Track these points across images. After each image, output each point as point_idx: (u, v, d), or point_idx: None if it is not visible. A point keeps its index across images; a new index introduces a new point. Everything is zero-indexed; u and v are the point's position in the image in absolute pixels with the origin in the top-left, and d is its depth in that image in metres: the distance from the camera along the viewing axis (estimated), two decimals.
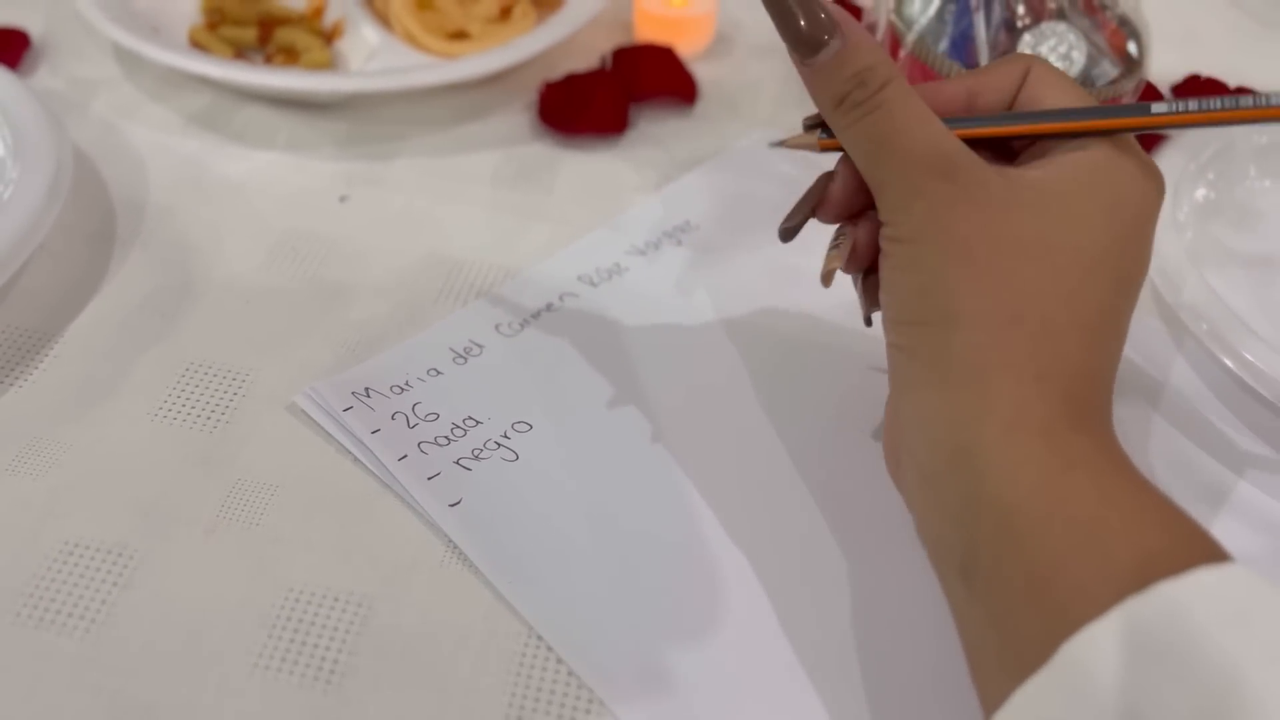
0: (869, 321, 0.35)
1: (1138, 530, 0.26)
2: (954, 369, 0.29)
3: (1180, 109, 0.32)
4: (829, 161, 0.34)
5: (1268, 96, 0.31)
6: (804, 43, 0.31)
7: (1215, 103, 0.31)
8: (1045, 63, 0.33)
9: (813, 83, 0.32)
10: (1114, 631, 0.24)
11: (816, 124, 0.34)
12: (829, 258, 0.34)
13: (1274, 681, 0.23)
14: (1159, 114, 0.31)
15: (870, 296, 0.35)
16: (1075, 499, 0.27)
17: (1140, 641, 0.24)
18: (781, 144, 0.35)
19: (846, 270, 0.34)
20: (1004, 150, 0.33)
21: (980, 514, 0.28)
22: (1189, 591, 0.25)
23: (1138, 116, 0.31)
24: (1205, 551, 0.26)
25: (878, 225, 0.32)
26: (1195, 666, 0.24)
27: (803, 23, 0.30)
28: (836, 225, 0.34)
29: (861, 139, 0.31)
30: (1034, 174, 0.31)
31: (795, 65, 0.32)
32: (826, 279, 0.33)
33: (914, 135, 0.30)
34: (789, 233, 0.34)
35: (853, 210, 0.34)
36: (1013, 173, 0.31)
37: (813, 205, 0.34)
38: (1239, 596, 0.25)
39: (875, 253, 0.33)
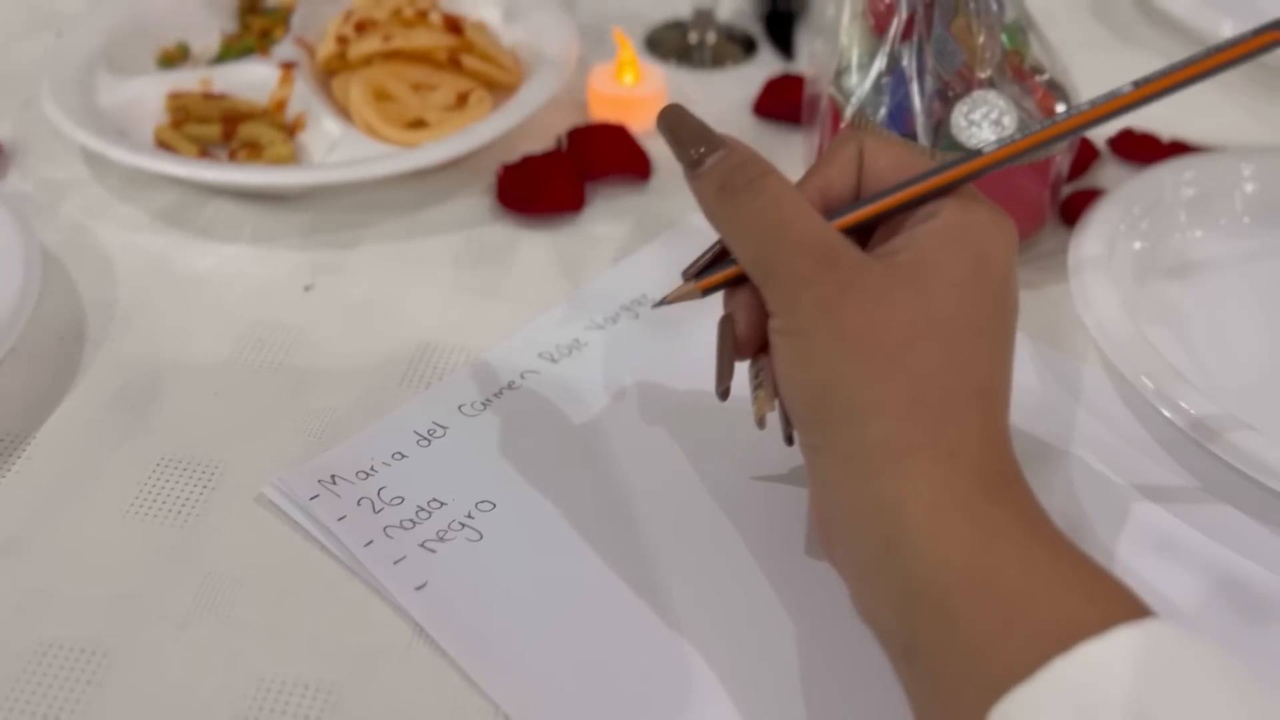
0: (790, 440, 0.35)
1: (1060, 595, 0.28)
2: (869, 462, 0.30)
3: (1008, 140, 0.34)
4: None
5: (1079, 105, 0.33)
6: (695, 161, 0.34)
7: (1038, 124, 0.34)
8: (871, 134, 0.35)
9: (700, 185, 0.34)
10: (1039, 693, 0.26)
11: (695, 274, 0.35)
12: (758, 401, 0.34)
13: None
14: (990, 151, 0.33)
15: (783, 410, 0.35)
16: (1002, 573, 0.28)
17: (1065, 701, 0.25)
18: (664, 302, 0.37)
19: (740, 359, 0.35)
20: (859, 240, 0.35)
21: (918, 601, 0.29)
22: (1109, 649, 0.26)
23: (975, 160, 0.33)
24: (1125, 609, 0.27)
25: (759, 307, 0.33)
26: None
27: (694, 142, 0.34)
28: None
29: (749, 228, 0.33)
30: (904, 255, 0.32)
31: (688, 181, 0.34)
32: (761, 422, 0.34)
33: (799, 225, 0.32)
34: (727, 393, 0.35)
35: (764, 338, 0.34)
36: (884, 258, 0.32)
37: (731, 356, 0.35)
38: (1157, 652, 0.26)
39: (761, 336, 0.34)
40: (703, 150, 0.34)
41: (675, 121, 0.35)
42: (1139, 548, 0.39)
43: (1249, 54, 0.32)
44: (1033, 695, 0.26)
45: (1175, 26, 0.67)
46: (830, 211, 0.34)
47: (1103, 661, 0.26)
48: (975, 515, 0.29)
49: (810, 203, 0.34)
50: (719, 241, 0.35)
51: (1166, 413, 0.41)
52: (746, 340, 0.34)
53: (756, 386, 0.34)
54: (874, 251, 0.33)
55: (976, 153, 0.33)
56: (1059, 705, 0.26)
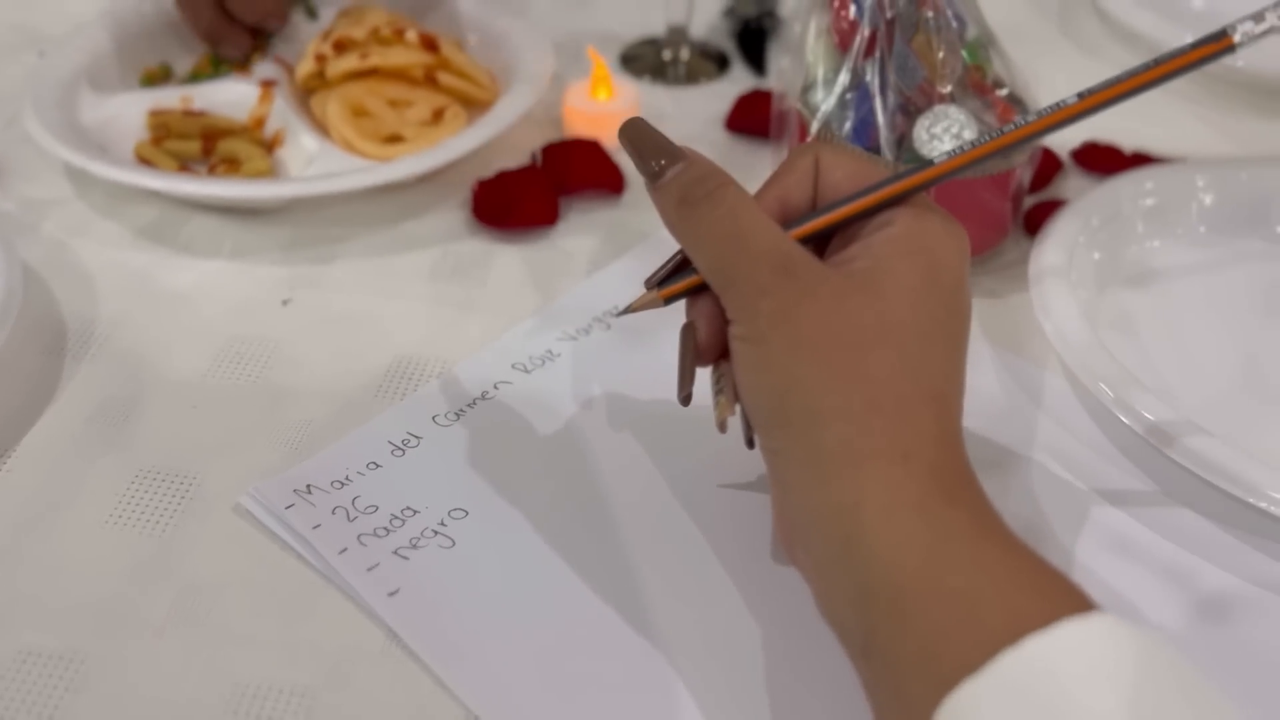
0: (751, 444, 0.36)
1: (1011, 592, 0.28)
2: (828, 465, 0.31)
3: (959, 150, 0.35)
4: None
5: (1026, 116, 0.34)
6: (656, 173, 0.35)
7: (988, 135, 0.35)
8: (828, 145, 0.36)
9: (660, 197, 0.35)
10: (988, 687, 0.27)
11: (657, 283, 0.36)
12: (719, 406, 0.35)
13: None
14: (942, 162, 0.34)
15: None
16: (953, 572, 0.29)
17: (1011, 694, 0.26)
18: (628, 310, 0.38)
19: (701, 365, 0.36)
20: (816, 249, 0.36)
21: (874, 600, 0.30)
22: (1054, 644, 0.27)
23: (927, 170, 0.34)
24: (1073, 604, 0.28)
25: (719, 314, 0.34)
26: (1063, 713, 0.26)
27: (655, 155, 0.35)
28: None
29: (708, 238, 0.34)
30: (859, 263, 0.33)
31: (649, 193, 0.35)
32: (723, 426, 0.35)
33: (758, 236, 0.33)
34: (689, 398, 0.36)
35: (725, 344, 0.35)
36: (840, 266, 0.33)
37: (693, 362, 0.35)
38: (1103, 644, 0.27)
39: (722, 343, 0.35)
40: (663, 162, 0.35)
41: (636, 135, 0.36)
42: (1098, 550, 0.40)
43: (1189, 66, 0.33)
44: (981, 688, 0.27)
45: (1140, 42, 0.68)
46: (788, 221, 0.35)
47: (1048, 654, 0.27)
48: (929, 515, 0.30)
49: (768, 213, 0.35)
50: (680, 251, 0.36)
51: (1124, 419, 0.42)
52: (707, 347, 0.35)
53: (718, 392, 0.35)
54: (830, 260, 0.34)
55: (928, 163, 0.35)
56: (1007, 697, 0.26)
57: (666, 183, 0.35)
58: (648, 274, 0.52)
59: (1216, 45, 0.32)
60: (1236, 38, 0.32)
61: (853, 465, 0.31)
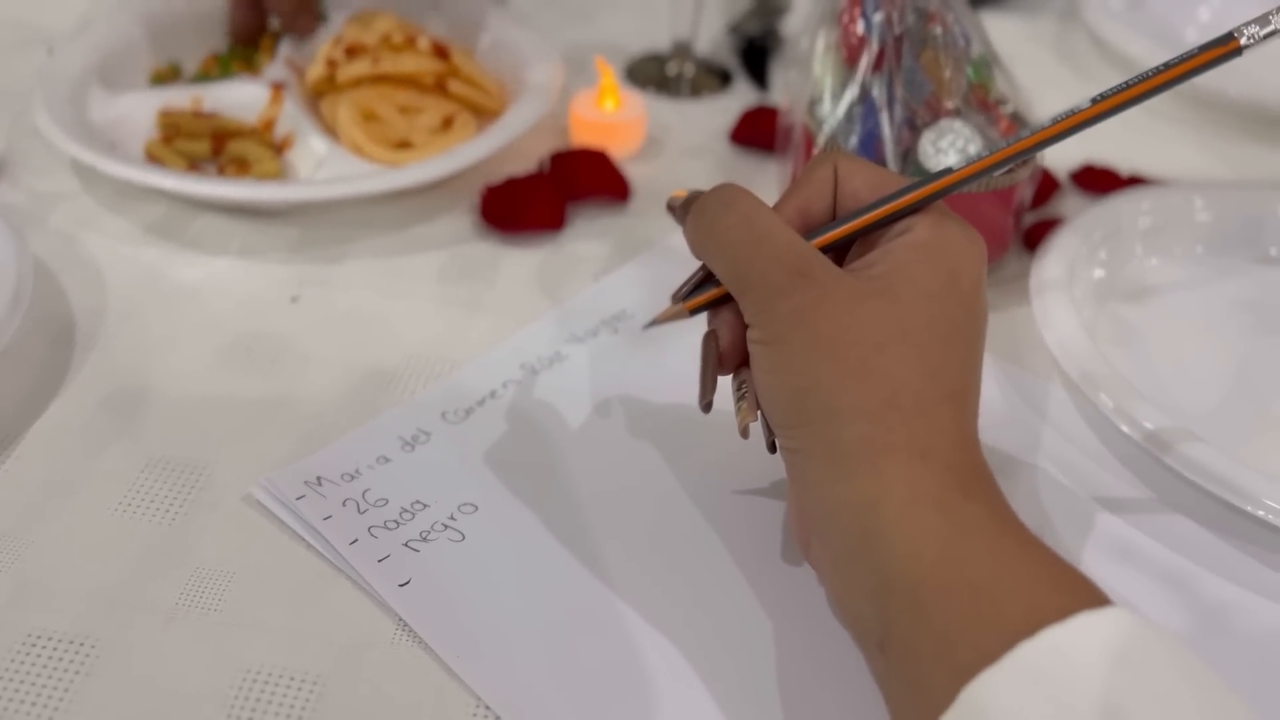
0: (773, 448, 0.36)
1: (1028, 585, 0.29)
2: (847, 461, 0.31)
3: (974, 159, 0.35)
4: None
5: (1042, 121, 0.35)
6: (681, 214, 0.38)
7: (1001, 143, 0.35)
8: (845, 156, 0.37)
9: (686, 221, 0.37)
10: (1008, 674, 0.27)
11: (683, 296, 0.37)
12: (741, 413, 0.35)
13: (1150, 715, 0.26)
14: (960, 168, 0.35)
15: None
16: (972, 564, 0.30)
17: (1031, 681, 0.27)
18: (653, 323, 0.38)
19: (723, 373, 0.36)
20: (836, 258, 0.36)
21: (892, 592, 0.30)
22: (1073, 634, 0.27)
23: (947, 176, 0.35)
24: (1089, 598, 0.29)
25: (741, 324, 0.35)
26: (1080, 702, 0.26)
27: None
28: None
29: (726, 244, 0.34)
30: (878, 268, 0.33)
31: (682, 226, 0.37)
32: (745, 432, 0.35)
33: (774, 239, 0.34)
34: (710, 406, 0.36)
35: (745, 352, 0.35)
36: (859, 271, 0.34)
37: (714, 370, 0.36)
38: (1118, 637, 0.27)
39: (742, 350, 0.36)
40: (685, 203, 0.37)
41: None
42: (1099, 555, 0.41)
43: (1197, 69, 0.34)
44: (1000, 677, 0.27)
45: (1133, 67, 0.70)
46: (809, 231, 0.36)
47: (1067, 645, 0.27)
48: (947, 510, 0.31)
49: (790, 224, 0.35)
50: (703, 266, 0.37)
51: (1124, 427, 0.43)
52: (729, 354, 0.36)
53: (740, 399, 0.36)
54: (849, 267, 0.35)
55: (947, 170, 0.35)
56: (1025, 686, 0.27)
57: (689, 209, 0.36)
58: (654, 280, 0.52)
59: (1224, 48, 0.33)
60: (1243, 41, 0.33)
61: (871, 461, 0.31)
